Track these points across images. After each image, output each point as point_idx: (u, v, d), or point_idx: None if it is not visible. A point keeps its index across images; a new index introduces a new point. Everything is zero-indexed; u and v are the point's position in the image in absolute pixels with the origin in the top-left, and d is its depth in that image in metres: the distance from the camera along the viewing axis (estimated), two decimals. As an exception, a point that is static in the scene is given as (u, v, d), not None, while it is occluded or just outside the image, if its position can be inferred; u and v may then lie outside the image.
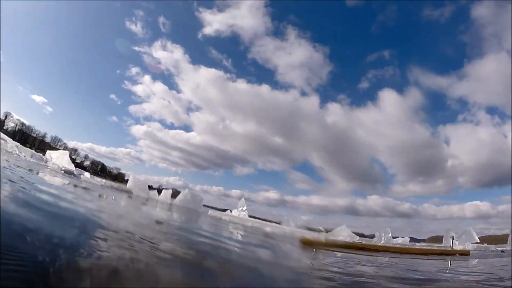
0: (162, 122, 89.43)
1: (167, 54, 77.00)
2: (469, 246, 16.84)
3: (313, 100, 65.14)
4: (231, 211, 25.83)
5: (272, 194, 66.25)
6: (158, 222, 6.10)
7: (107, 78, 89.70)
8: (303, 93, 70.63)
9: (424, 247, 13.24)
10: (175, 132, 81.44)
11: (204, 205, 20.67)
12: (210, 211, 18.06)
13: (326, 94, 76.08)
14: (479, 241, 19.06)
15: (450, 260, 8.21)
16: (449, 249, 12.64)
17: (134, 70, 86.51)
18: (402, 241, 14.79)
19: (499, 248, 17.12)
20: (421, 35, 62.28)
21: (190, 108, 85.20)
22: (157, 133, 79.34)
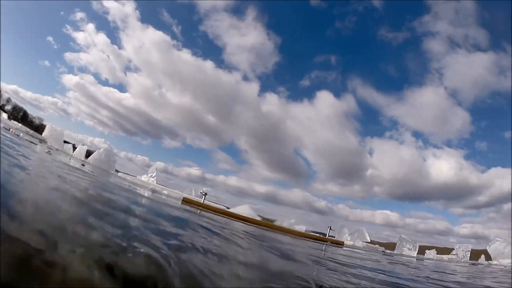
0: (96, 76, 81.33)
1: (118, 5, 70.19)
2: (359, 244, 19.57)
3: (254, 87, 67.04)
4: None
5: (195, 171, 67.06)
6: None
7: (48, 18, 78.38)
8: (246, 78, 71.86)
9: (304, 232, 15.33)
10: (108, 90, 74.82)
11: (125, 173, 20.14)
12: (120, 174, 17.71)
13: (268, 83, 78.09)
14: (369, 240, 22.04)
15: (325, 246, 9.73)
16: (325, 237, 15.08)
17: (80, 15, 76.47)
18: (299, 228, 16.79)
19: (385, 250, 20.20)
20: (371, 51, 69.39)
21: (128, 67, 79.09)
22: (89, 87, 71.97)
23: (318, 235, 15.17)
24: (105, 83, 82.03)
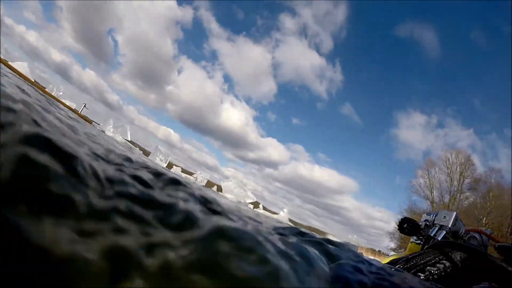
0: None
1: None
2: (118, 138, 18.29)
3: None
4: None
5: None
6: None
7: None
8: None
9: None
10: None
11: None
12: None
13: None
14: (129, 139, 20.46)
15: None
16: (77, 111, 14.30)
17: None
18: (69, 103, 16.31)
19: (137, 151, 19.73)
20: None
21: None
22: None
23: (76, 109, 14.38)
24: None
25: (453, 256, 0.63)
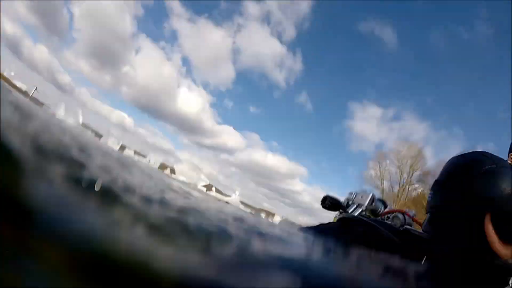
0: None
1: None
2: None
3: None
4: None
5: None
6: None
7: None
8: None
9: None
10: None
11: None
12: None
13: None
14: (81, 122, 21.04)
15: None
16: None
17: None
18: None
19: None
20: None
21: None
22: None
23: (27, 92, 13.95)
24: None
25: (354, 229, 0.72)
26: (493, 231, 0.62)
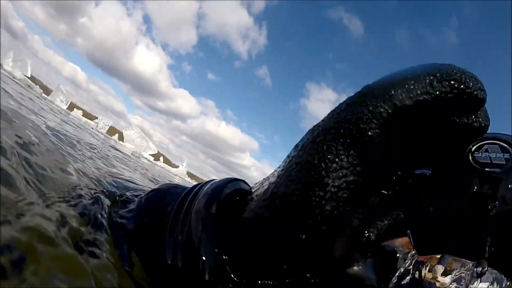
0: None
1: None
2: (17, 73, 15.36)
3: None
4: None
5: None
6: None
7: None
8: None
9: None
10: None
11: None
12: None
13: None
14: (30, 75, 17.18)
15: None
16: None
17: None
18: None
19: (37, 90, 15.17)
20: None
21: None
22: None
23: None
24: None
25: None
26: None
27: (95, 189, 0.55)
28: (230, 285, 0.35)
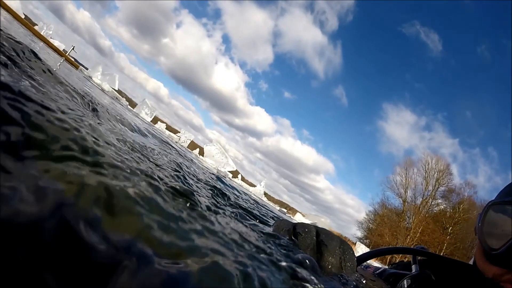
0: None
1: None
2: (105, 86, 17.40)
3: None
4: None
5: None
6: None
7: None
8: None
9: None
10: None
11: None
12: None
13: None
14: (117, 89, 19.16)
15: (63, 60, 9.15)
16: (63, 52, 14.54)
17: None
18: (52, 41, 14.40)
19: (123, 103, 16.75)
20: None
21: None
22: None
23: (61, 50, 14.12)
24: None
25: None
26: (479, 248, 0.60)
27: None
28: None
